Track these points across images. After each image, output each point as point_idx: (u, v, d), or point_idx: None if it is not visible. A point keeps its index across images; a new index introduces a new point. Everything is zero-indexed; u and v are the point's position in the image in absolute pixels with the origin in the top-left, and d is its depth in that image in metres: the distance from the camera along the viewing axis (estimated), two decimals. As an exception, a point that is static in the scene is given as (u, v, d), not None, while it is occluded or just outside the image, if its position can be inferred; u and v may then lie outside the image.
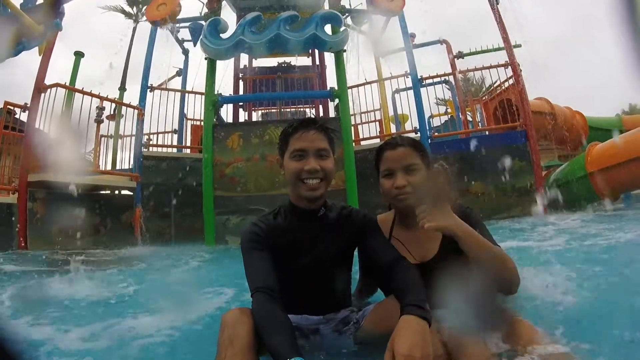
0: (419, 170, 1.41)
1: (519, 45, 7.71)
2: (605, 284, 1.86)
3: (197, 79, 8.44)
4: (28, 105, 5.28)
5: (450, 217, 1.24)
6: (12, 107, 5.42)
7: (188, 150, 8.09)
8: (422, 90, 6.78)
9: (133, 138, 6.67)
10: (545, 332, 1.15)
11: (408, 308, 1.09)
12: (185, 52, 8.65)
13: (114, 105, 6.29)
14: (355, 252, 1.52)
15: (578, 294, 1.64)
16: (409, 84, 7.13)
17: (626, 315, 1.45)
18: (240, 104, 8.88)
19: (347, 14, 6.37)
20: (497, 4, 6.72)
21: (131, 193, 6.17)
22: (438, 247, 1.41)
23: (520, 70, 6.60)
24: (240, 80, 8.74)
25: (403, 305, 1.11)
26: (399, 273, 1.27)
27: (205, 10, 6.33)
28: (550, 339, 1.13)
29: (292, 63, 9.05)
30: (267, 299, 1.18)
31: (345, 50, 5.90)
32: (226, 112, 8.01)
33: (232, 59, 7.82)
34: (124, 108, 6.45)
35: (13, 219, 4.89)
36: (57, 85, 5.39)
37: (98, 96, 5.67)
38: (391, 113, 9.28)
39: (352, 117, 7.19)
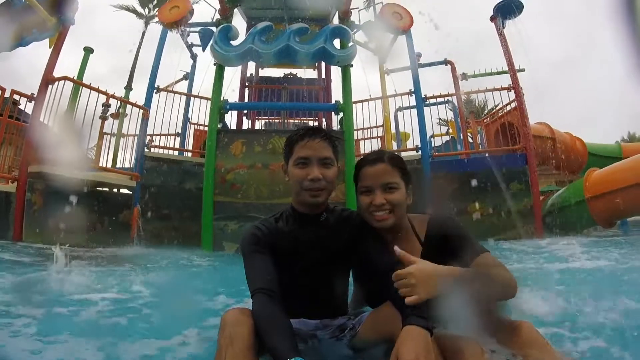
0: (399, 188, 1.39)
1: (523, 70, 7.84)
2: (601, 304, 1.87)
3: (203, 84, 8.52)
4: (34, 96, 5.30)
5: (432, 283, 1.13)
6: (17, 97, 5.43)
7: (189, 154, 8.09)
8: (425, 109, 6.85)
9: (135, 138, 6.68)
10: (546, 335, 1.16)
11: (410, 318, 1.08)
12: (194, 56, 8.72)
13: (119, 103, 6.32)
14: None
15: (575, 312, 1.66)
16: (412, 102, 7.20)
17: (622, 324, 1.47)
18: (245, 112, 8.94)
19: (356, 30, 6.46)
20: (503, 27, 6.85)
21: (130, 192, 6.16)
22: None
23: (523, 94, 6.70)
24: (246, 88, 8.81)
25: (404, 315, 1.11)
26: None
27: (217, 16, 6.41)
28: (551, 342, 1.14)
29: (299, 75, 9.15)
30: (267, 300, 1.18)
31: (352, 65, 5.97)
32: (230, 119, 8.05)
33: (240, 67, 7.89)
34: (128, 107, 6.48)
35: (10, 209, 4.87)
36: (65, 78, 5.41)
37: (105, 93, 5.69)
38: (393, 130, 9.35)
39: (355, 132, 7.24)
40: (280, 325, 1.11)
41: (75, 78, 5.91)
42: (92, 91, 5.59)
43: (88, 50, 7.06)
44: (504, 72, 7.87)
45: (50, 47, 5.22)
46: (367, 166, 1.42)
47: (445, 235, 1.36)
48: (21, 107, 5.94)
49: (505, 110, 7.22)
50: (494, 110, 8.07)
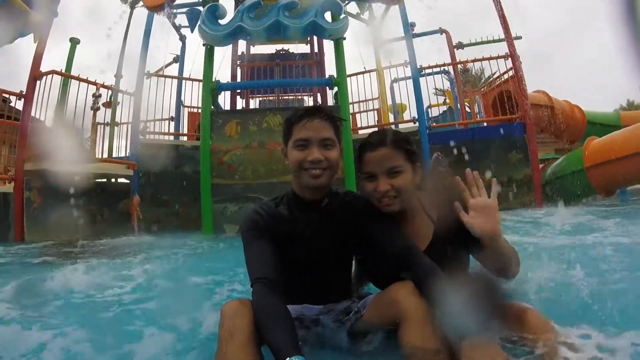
0: (404, 172, 1.33)
1: (520, 37, 7.68)
2: (604, 274, 1.89)
3: (194, 65, 8.38)
4: (24, 93, 5.21)
5: (499, 218, 1.21)
6: (7, 95, 5.34)
7: (185, 138, 8.04)
8: (421, 79, 6.75)
9: (129, 126, 6.61)
10: (553, 321, 1.17)
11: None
12: (183, 38, 8.53)
13: (110, 92, 6.22)
14: None
15: (578, 285, 1.66)
16: (408, 73, 7.10)
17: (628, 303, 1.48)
18: (238, 91, 8.81)
19: (347, 1, 6.28)
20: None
21: (128, 181, 6.14)
22: (429, 241, 1.37)
23: (520, 63, 6.58)
24: (238, 68, 8.66)
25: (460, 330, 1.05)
26: (429, 281, 1.14)
27: (203, -5, 6.20)
28: (558, 327, 1.15)
29: (291, 51, 8.97)
30: (266, 290, 1.15)
31: (344, 38, 5.83)
32: (223, 100, 7.96)
33: (230, 46, 7.72)
34: (120, 95, 6.38)
35: (10, 209, 4.86)
36: (53, 72, 5.33)
37: (94, 83, 5.60)
38: (389, 102, 9.24)
39: (350, 106, 7.16)
40: (279, 319, 1.08)
41: (63, 71, 5.79)
42: (81, 82, 5.49)
43: (74, 41, 6.89)
44: (500, 40, 7.71)
45: (35, 42, 5.09)
46: (369, 151, 1.35)
47: (459, 219, 1.32)
48: (12, 104, 5.84)
49: (502, 79, 7.11)
50: (491, 79, 7.95)
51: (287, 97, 9.77)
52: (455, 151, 6.01)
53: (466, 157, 6.00)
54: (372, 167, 1.34)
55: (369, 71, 8.08)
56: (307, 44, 8.95)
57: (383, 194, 1.32)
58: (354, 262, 1.56)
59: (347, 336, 1.34)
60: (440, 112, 10.42)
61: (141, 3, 6.63)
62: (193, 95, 7.99)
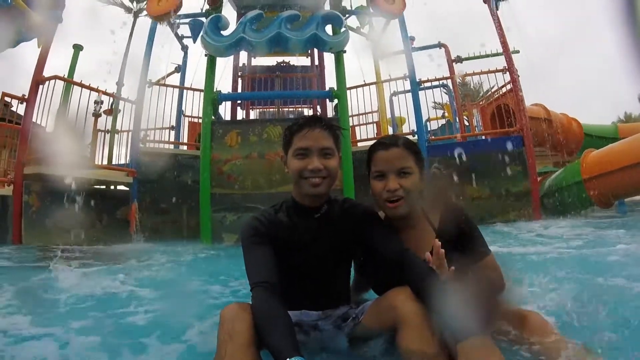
0: (413, 174, 1.36)
1: (517, 51, 7.78)
2: (598, 286, 1.89)
3: (195, 76, 8.43)
4: (26, 97, 5.24)
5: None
6: (9, 99, 5.37)
7: (185, 147, 8.06)
8: (420, 93, 6.81)
9: (130, 133, 6.63)
10: (554, 324, 1.19)
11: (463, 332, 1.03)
12: (185, 48, 8.62)
13: (111, 100, 6.26)
14: None
15: (577, 296, 1.66)
16: (407, 86, 7.15)
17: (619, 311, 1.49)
18: (239, 102, 8.87)
19: (348, 15, 6.37)
20: (497, 9, 6.77)
21: (127, 188, 6.13)
22: (431, 250, 1.36)
23: (518, 76, 6.66)
24: (239, 79, 8.73)
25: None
26: (425, 285, 1.15)
27: (206, 6, 6.30)
28: (559, 330, 1.16)
29: (292, 63, 9.06)
30: (266, 295, 1.16)
31: (345, 51, 5.90)
32: (224, 110, 8.00)
33: (231, 57, 7.81)
34: (121, 103, 6.41)
35: (8, 212, 4.84)
36: (55, 77, 5.37)
37: (96, 89, 5.64)
38: (389, 115, 9.30)
39: (350, 119, 7.20)
40: (279, 322, 1.08)
41: (65, 76, 5.84)
42: (83, 89, 5.53)
43: (78, 48, 6.97)
44: (498, 54, 7.81)
45: (38, 47, 5.14)
46: (381, 150, 1.39)
47: (459, 227, 1.36)
48: (13, 109, 5.87)
49: (500, 93, 7.19)
50: (490, 92, 8.03)
51: (287, 109, 9.83)
52: (454, 162, 6.06)
53: (465, 168, 6.06)
54: (383, 165, 1.37)
55: (369, 84, 8.15)
56: (307, 57, 9.04)
57: (392, 192, 1.34)
58: (352, 269, 1.57)
59: (346, 341, 1.34)
60: (439, 125, 10.50)
61: (145, 12, 6.71)
62: (194, 105, 8.03)
